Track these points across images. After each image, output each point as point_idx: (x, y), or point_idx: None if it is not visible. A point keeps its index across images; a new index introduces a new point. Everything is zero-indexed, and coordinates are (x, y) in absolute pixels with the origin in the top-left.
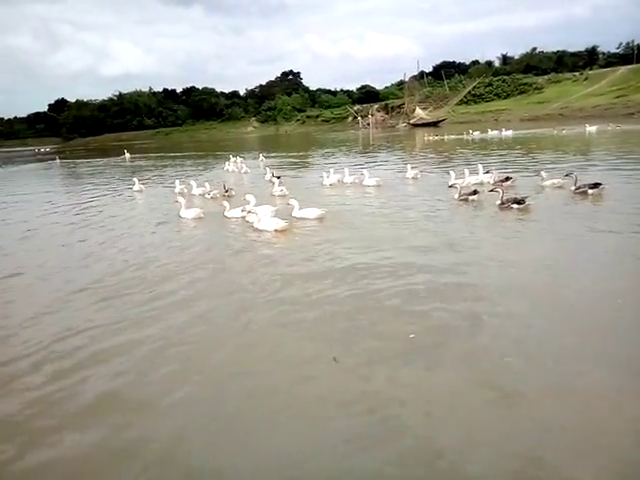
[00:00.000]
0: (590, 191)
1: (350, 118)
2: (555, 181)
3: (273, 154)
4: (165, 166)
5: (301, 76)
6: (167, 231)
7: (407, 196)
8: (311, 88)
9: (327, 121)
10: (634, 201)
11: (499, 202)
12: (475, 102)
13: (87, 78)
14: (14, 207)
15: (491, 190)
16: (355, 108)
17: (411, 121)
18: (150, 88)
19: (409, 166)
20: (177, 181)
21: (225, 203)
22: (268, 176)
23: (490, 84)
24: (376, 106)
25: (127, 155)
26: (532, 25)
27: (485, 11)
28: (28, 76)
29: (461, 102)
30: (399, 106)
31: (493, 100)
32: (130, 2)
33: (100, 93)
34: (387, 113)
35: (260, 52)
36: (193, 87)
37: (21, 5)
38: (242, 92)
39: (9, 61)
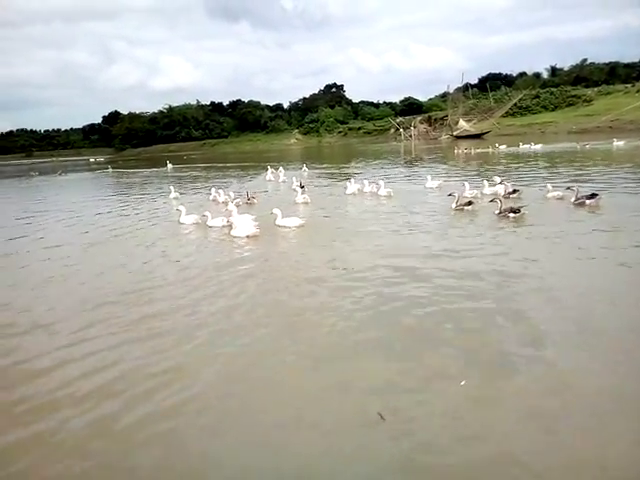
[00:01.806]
0: (587, 201)
1: (392, 130)
2: (557, 193)
3: (315, 165)
4: (206, 176)
5: (344, 89)
6: (162, 234)
7: (410, 205)
8: (354, 100)
9: (369, 133)
10: (627, 209)
11: (497, 211)
12: (521, 114)
13: (139, 91)
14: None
15: (491, 200)
16: (397, 120)
17: (454, 133)
18: (198, 101)
19: (429, 177)
20: (213, 189)
21: (207, 213)
22: (295, 185)
23: (537, 96)
24: (419, 118)
25: (169, 166)
26: (583, 36)
27: (533, 22)
28: (84, 89)
29: (507, 114)
30: (442, 118)
31: (540, 112)
32: (180, 18)
33: (151, 106)
34: (430, 125)
35: (304, 65)
36: (239, 100)
37: (79, 23)
38: (286, 105)
39: (67, 75)
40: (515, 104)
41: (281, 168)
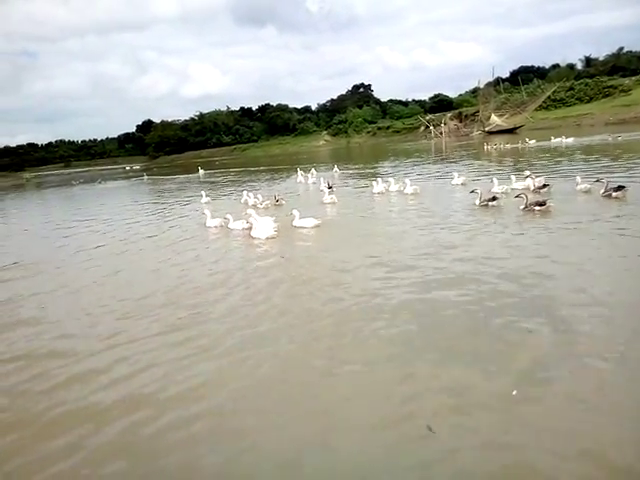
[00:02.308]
0: (614, 194)
1: (422, 128)
2: (585, 186)
3: (346, 165)
4: (237, 180)
5: (372, 88)
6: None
7: (435, 202)
8: (382, 99)
9: (398, 132)
10: None
11: (522, 206)
12: (555, 107)
13: (170, 100)
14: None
15: (517, 196)
16: (427, 117)
17: (486, 128)
18: (228, 107)
19: (456, 174)
20: (245, 192)
21: (228, 216)
22: (322, 186)
23: (572, 88)
24: (449, 114)
25: (201, 172)
26: (619, 24)
27: (565, 12)
28: (118, 100)
29: (540, 107)
30: (473, 114)
31: (575, 104)
32: (208, 26)
33: (182, 113)
34: (461, 121)
35: (331, 67)
36: (268, 104)
37: (111, 34)
38: (314, 107)
39: (101, 87)
40: (549, 97)
41: (313, 170)
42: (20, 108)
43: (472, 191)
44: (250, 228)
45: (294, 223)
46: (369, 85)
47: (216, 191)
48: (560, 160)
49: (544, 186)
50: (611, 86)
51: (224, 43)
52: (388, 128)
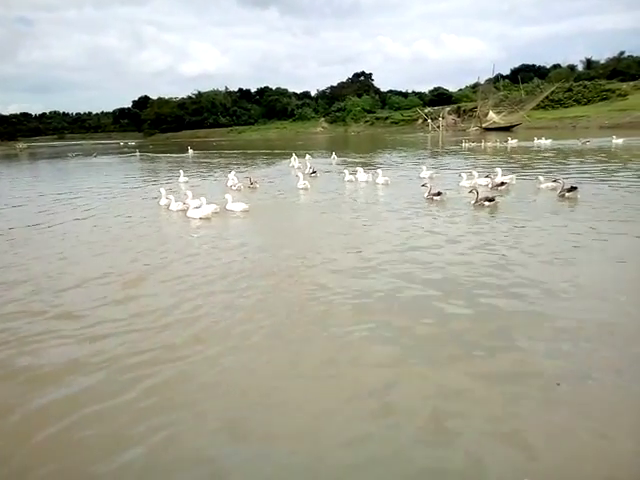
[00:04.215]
0: (567, 194)
1: (420, 120)
2: (548, 184)
3: (342, 154)
4: (225, 163)
5: (372, 77)
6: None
7: (396, 193)
8: (382, 89)
9: (396, 123)
10: (599, 199)
11: (473, 201)
12: (553, 107)
13: (168, 77)
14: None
15: (470, 191)
16: (426, 110)
17: (483, 125)
18: (226, 87)
19: (424, 167)
20: (230, 174)
21: (162, 190)
22: (307, 170)
23: (570, 89)
24: (448, 109)
25: (190, 152)
26: (623, 27)
27: (569, 12)
28: (115, 73)
29: (538, 107)
30: (472, 109)
31: (572, 106)
32: (210, 4)
33: (179, 91)
34: (459, 116)
35: (332, 53)
36: (267, 87)
37: (110, 7)
38: (313, 93)
39: (98, 59)
40: (547, 97)
41: (308, 155)
42: (14, 76)
43: (422, 185)
44: (186, 209)
45: (226, 207)
46: (370, 74)
47: (201, 171)
48: (532, 159)
49: (502, 184)
50: (609, 90)
51: (225, 22)
52: (386, 119)
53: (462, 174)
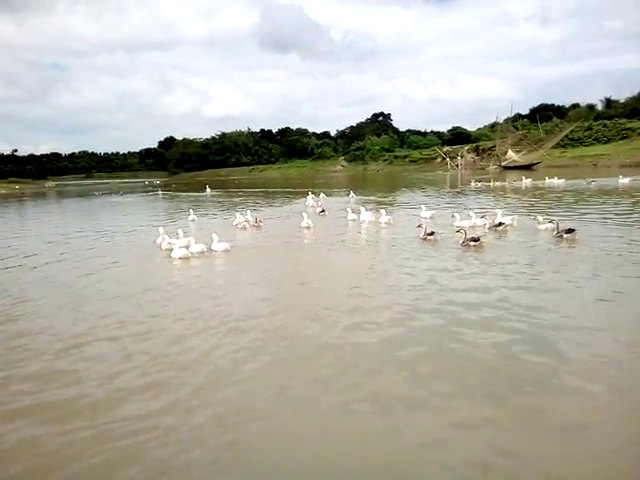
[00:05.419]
0: (565, 235)
1: (439, 159)
2: (547, 225)
3: (361, 192)
4: (242, 201)
5: (391, 117)
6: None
7: (395, 233)
8: (401, 129)
9: (415, 161)
10: (597, 241)
11: (461, 241)
12: (573, 146)
13: (193, 118)
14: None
15: (457, 231)
16: (445, 149)
17: (502, 163)
18: (248, 128)
19: (424, 207)
20: (237, 213)
21: (160, 229)
22: (309, 202)
23: (590, 128)
24: (467, 147)
25: (208, 190)
26: None
27: (586, 54)
28: (141, 115)
29: (558, 145)
30: (490, 148)
31: (592, 145)
32: (233, 50)
33: (203, 132)
34: (478, 155)
35: (351, 95)
36: (287, 128)
37: (139, 53)
38: (333, 133)
39: (126, 102)
40: (566, 136)
41: (322, 194)
42: (46, 118)
43: (418, 226)
44: (172, 249)
45: (211, 247)
46: (388, 114)
47: (213, 210)
48: (540, 199)
49: (499, 224)
50: (629, 128)
51: (248, 66)
52: (405, 157)
53: (455, 214)
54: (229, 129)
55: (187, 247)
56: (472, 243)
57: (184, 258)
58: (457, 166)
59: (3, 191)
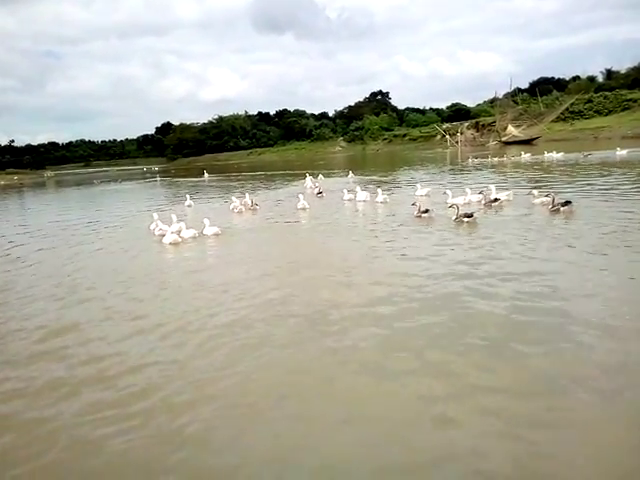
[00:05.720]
0: (562, 208)
1: (438, 136)
2: (543, 199)
3: (360, 172)
4: (240, 185)
5: (389, 96)
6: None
7: (392, 211)
8: (399, 107)
9: (414, 140)
10: (592, 214)
11: (454, 217)
12: (573, 119)
13: (189, 103)
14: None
15: (450, 206)
16: (444, 126)
17: (502, 139)
18: (246, 111)
19: (419, 185)
20: (233, 197)
21: (154, 215)
22: (307, 184)
23: (590, 100)
24: (466, 124)
25: (206, 175)
26: None
27: (587, 24)
28: (138, 101)
29: (558, 119)
30: (490, 124)
31: (593, 117)
32: (228, 32)
33: (200, 116)
34: (478, 131)
35: (349, 74)
36: (285, 110)
37: (133, 38)
38: (331, 113)
39: (122, 89)
40: (567, 109)
41: (320, 175)
42: (42, 107)
43: (412, 204)
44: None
45: (203, 231)
46: (387, 93)
47: (211, 195)
48: (538, 174)
49: (495, 200)
50: (630, 99)
51: (243, 49)
52: (404, 136)
53: (447, 191)
54: (226, 113)
55: (179, 232)
56: (465, 219)
57: (174, 243)
58: (457, 143)
59: (2, 182)
